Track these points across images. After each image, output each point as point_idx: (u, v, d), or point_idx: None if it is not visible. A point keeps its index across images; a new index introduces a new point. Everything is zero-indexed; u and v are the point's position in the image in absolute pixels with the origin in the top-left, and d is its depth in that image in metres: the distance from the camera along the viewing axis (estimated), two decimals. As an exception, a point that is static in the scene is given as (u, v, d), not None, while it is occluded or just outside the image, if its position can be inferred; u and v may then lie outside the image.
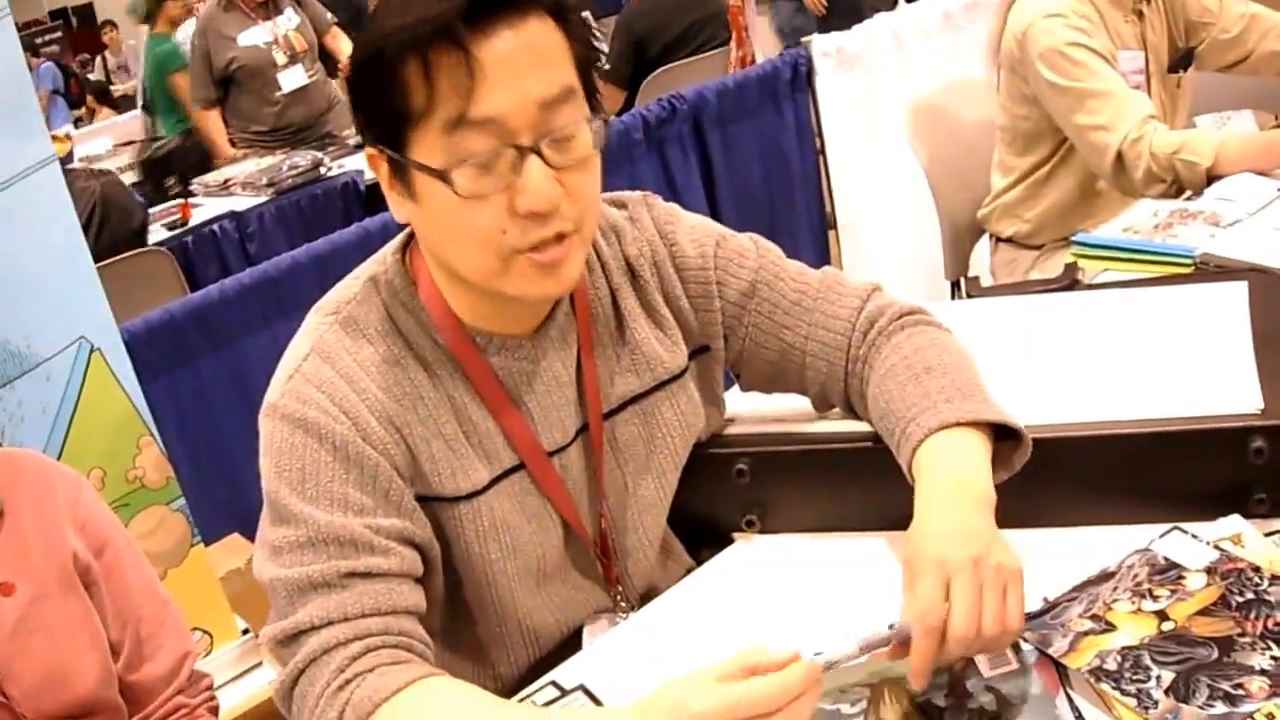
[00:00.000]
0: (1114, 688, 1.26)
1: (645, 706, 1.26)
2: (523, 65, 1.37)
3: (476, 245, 1.42)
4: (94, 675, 1.66)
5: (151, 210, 5.21)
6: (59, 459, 2.33)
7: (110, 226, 4.32)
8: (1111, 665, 1.29)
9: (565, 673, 1.58)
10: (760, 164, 4.97)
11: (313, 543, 1.42)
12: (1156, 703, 1.23)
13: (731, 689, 1.20)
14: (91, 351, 2.43)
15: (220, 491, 3.16)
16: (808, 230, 5.12)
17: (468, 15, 1.34)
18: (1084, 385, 1.71)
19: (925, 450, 1.49)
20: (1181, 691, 1.23)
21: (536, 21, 1.39)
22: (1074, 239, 2.48)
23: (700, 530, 1.79)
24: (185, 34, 7.13)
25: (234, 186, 5.68)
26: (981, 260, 3.65)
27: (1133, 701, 1.24)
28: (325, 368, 1.49)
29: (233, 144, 6.47)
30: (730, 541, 1.75)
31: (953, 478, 1.44)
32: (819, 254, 5.11)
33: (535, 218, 1.40)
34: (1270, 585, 1.35)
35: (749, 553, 1.73)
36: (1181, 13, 3.22)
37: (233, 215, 5.22)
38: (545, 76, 1.39)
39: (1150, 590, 1.39)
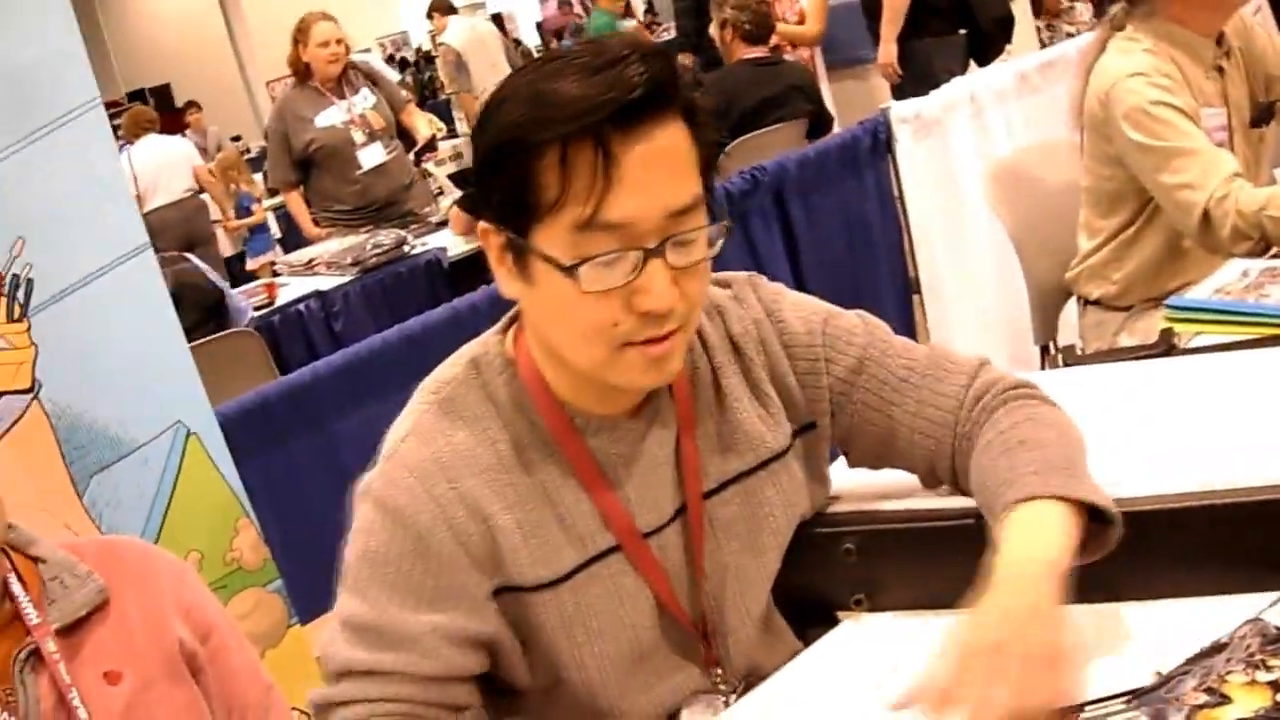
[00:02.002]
0: (1235, 763, 1.24)
1: None
2: (658, 172, 1.39)
3: (588, 335, 1.44)
4: (203, 763, 1.67)
5: (238, 290, 5.28)
6: (157, 543, 2.36)
7: (185, 309, 4.39)
8: (1230, 740, 1.27)
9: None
10: (842, 232, 4.97)
11: (369, 627, 1.48)
12: (1276, 776, 1.21)
13: None
14: (188, 435, 2.46)
15: (314, 570, 3.16)
16: (891, 296, 5.11)
17: (615, 118, 1.36)
18: (1185, 452, 1.68)
19: (1004, 526, 1.47)
20: (1301, 763, 1.21)
21: (673, 126, 1.41)
22: (1166, 303, 2.46)
23: (807, 610, 1.77)
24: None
25: (318, 266, 5.74)
26: (1069, 323, 3.62)
27: (1254, 776, 1.22)
28: (421, 449, 1.52)
29: (316, 224, 6.54)
30: (837, 621, 1.74)
31: (1024, 557, 1.42)
32: (903, 320, 5.10)
33: (650, 316, 1.42)
34: (1384, 652, 1.32)
35: (858, 632, 1.71)
36: (1261, 67, 3.19)
37: (318, 294, 5.28)
38: (677, 185, 1.41)
39: (1264, 660, 1.36)
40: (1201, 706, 1.32)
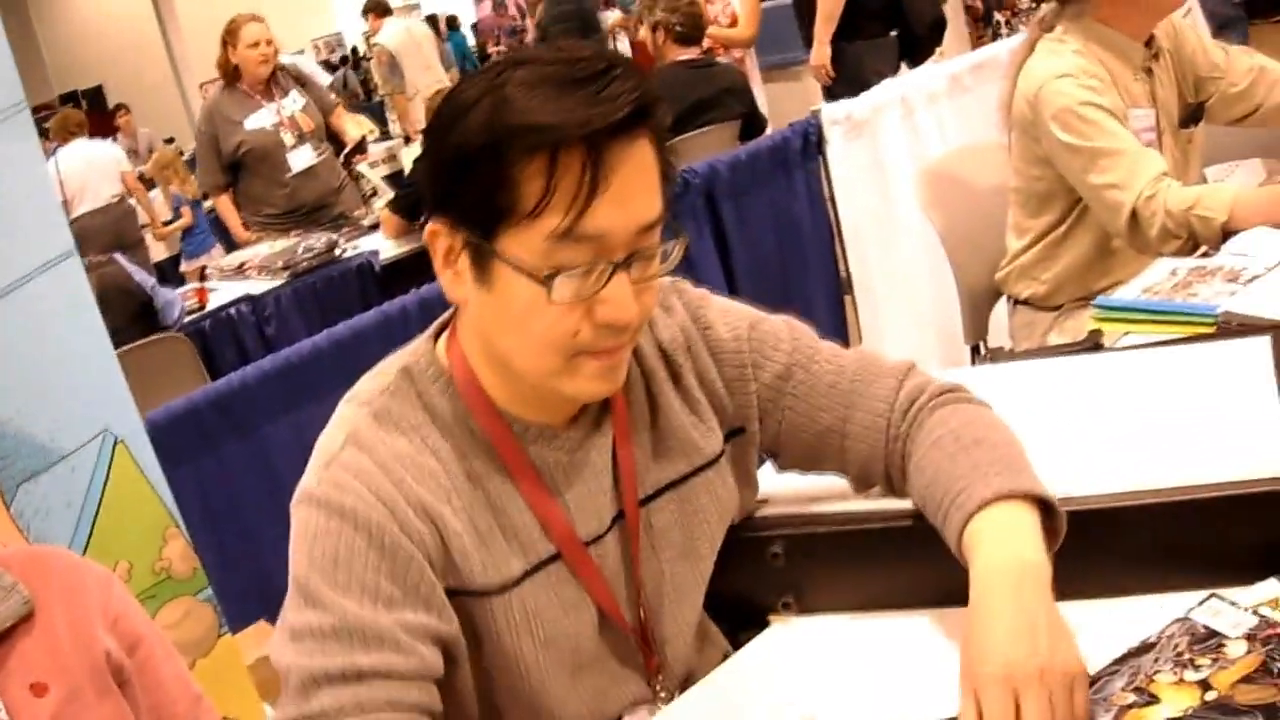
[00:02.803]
0: (1163, 762, 1.25)
1: None
2: (635, 186, 1.39)
3: (546, 344, 1.44)
4: (131, 776, 1.65)
5: (171, 292, 5.24)
6: (85, 553, 2.33)
7: (111, 311, 4.36)
8: (1158, 739, 1.28)
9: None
10: (774, 233, 5.00)
11: (336, 633, 1.41)
12: (1205, 775, 1.22)
13: None
14: (115, 443, 2.43)
15: (245, 578, 3.15)
16: (823, 297, 5.14)
17: (606, 131, 1.35)
18: (1113, 452, 1.70)
19: (978, 525, 1.47)
20: (1229, 762, 1.22)
21: (646, 143, 1.41)
22: (1094, 302, 2.48)
23: (736, 613, 1.77)
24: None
25: (249, 270, 5.71)
26: (999, 323, 3.64)
27: (1182, 775, 1.23)
28: (362, 457, 1.49)
29: (246, 227, 6.50)
30: (767, 623, 1.74)
31: (1009, 560, 1.42)
32: (835, 321, 5.13)
33: (611, 327, 1.42)
34: (1312, 650, 1.34)
35: (787, 635, 1.72)
36: (1190, 68, 3.23)
37: (249, 298, 5.25)
38: (650, 200, 1.42)
39: (1191, 660, 1.38)
40: (1130, 706, 1.33)
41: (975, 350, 3.67)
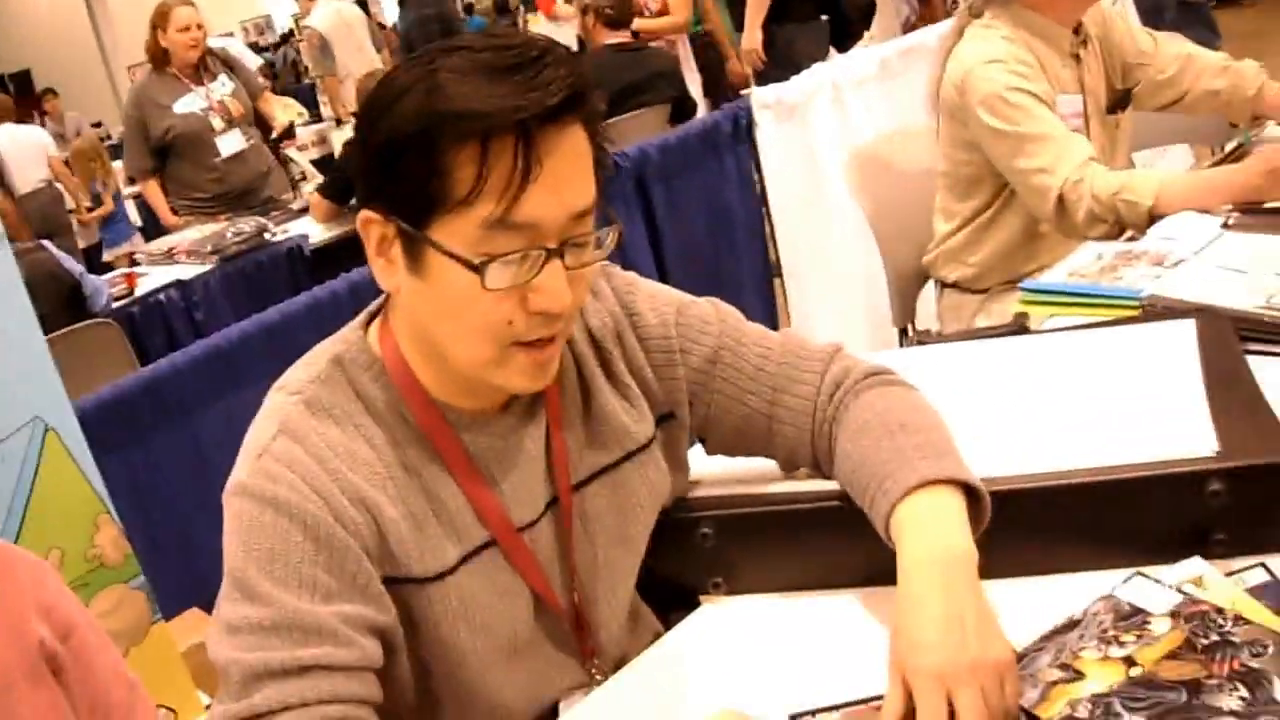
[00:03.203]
0: (1087, 737, 1.27)
1: None
2: (567, 174, 1.40)
3: (480, 333, 1.44)
4: (66, 765, 1.65)
5: (99, 279, 5.20)
6: (16, 541, 2.32)
7: (40, 298, 4.32)
8: (1083, 713, 1.30)
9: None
10: (704, 217, 5.02)
11: (275, 627, 1.40)
12: (1129, 749, 1.24)
13: None
14: (46, 431, 2.41)
15: (177, 565, 3.14)
16: (753, 280, 5.17)
17: (538, 119, 1.35)
18: (1039, 433, 1.72)
19: (904, 511, 1.49)
20: (1153, 736, 1.24)
21: (579, 131, 1.42)
22: (1020, 286, 2.50)
23: (667, 594, 1.79)
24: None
25: (179, 254, 5.67)
26: (928, 306, 3.68)
27: (1106, 750, 1.25)
28: (295, 447, 1.48)
29: (175, 212, 6.46)
30: (698, 604, 1.76)
31: (937, 545, 1.44)
32: (765, 304, 5.16)
33: (544, 316, 1.43)
34: (1234, 626, 1.36)
35: (717, 615, 1.73)
36: (1118, 55, 3.27)
37: (178, 284, 5.21)
38: (582, 188, 1.42)
39: (1116, 637, 1.40)
40: (1056, 682, 1.35)
41: (903, 333, 3.71)
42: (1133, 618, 1.42)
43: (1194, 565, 1.49)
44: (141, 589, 2.56)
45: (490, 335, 1.44)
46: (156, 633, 2.60)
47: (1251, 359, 1.82)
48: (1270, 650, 1.31)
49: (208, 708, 2.53)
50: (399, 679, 1.56)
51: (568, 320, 1.49)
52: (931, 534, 1.45)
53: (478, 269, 1.38)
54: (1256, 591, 1.44)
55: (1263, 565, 1.49)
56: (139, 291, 5.25)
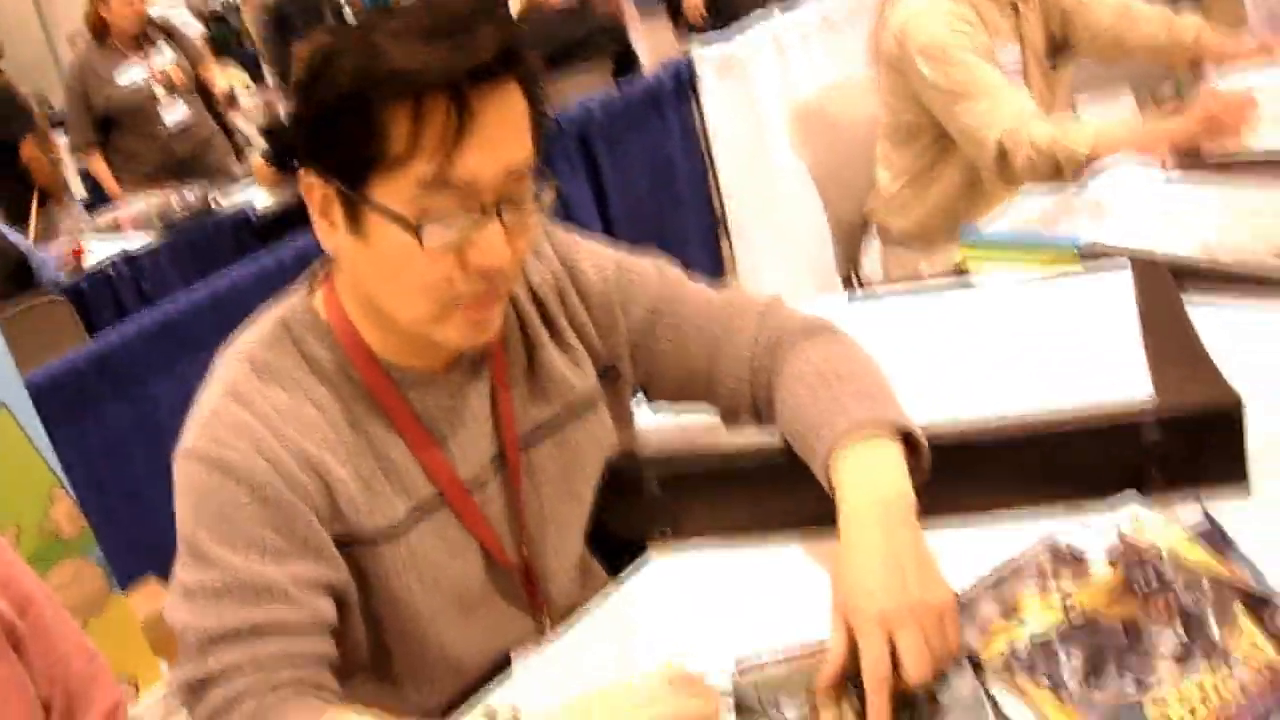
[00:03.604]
0: (1027, 677, 1.30)
1: (573, 710, 1.33)
2: (503, 132, 1.41)
3: (420, 292, 1.45)
4: (28, 736, 1.66)
5: (45, 253, 5.17)
6: (-29, 518, 2.33)
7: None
8: (1023, 654, 1.32)
9: (496, 697, 1.59)
10: (648, 173, 5.03)
11: (228, 589, 1.43)
12: (1070, 689, 1.26)
13: (669, 706, 1.28)
14: (-2, 408, 2.42)
15: (134, 536, 3.15)
16: (698, 235, 5.19)
17: (469, 77, 1.36)
18: (978, 382, 1.74)
19: (843, 459, 1.51)
20: (1093, 676, 1.27)
21: (514, 90, 1.43)
22: (961, 236, 2.52)
23: (616, 545, 1.82)
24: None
25: (125, 226, 5.64)
26: (871, 256, 3.70)
27: (1046, 689, 1.27)
28: (241, 411, 1.50)
29: (120, 184, 6.42)
30: (645, 553, 1.79)
31: (876, 493, 1.46)
32: (711, 258, 5.18)
33: (484, 273, 1.44)
34: (1171, 568, 1.38)
35: (665, 565, 1.76)
36: (1056, 5, 3.29)
37: (125, 256, 5.19)
38: (517, 146, 1.43)
39: (1055, 579, 1.42)
40: (997, 624, 1.38)
41: (847, 282, 3.73)
42: (1071, 560, 1.45)
43: (1132, 508, 1.51)
44: (98, 561, 2.57)
45: (431, 294, 1.45)
46: (114, 604, 2.62)
47: (1189, 306, 1.84)
48: (1207, 591, 1.34)
49: (169, 676, 2.56)
50: (353, 636, 1.58)
51: (509, 277, 1.50)
52: (870, 480, 1.48)
53: (415, 228, 1.39)
54: (1193, 533, 1.46)
55: (1200, 507, 1.51)
56: (86, 265, 5.22)
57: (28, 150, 6.33)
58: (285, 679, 1.41)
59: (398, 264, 1.44)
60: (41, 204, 6.28)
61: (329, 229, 1.49)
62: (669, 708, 1.28)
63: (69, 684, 1.75)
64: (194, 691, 1.43)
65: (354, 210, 1.43)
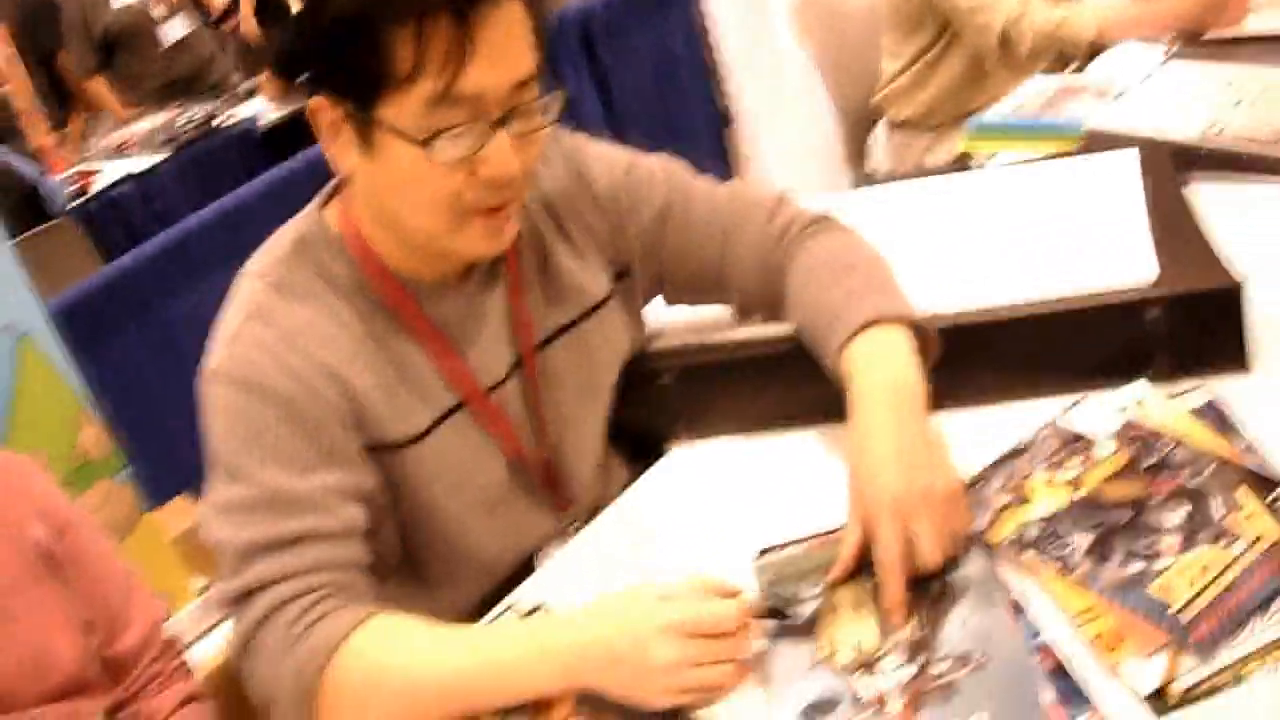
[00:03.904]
0: (1035, 556, 1.34)
1: (599, 621, 1.37)
2: (506, 45, 1.42)
3: (433, 206, 1.47)
4: (73, 657, 1.69)
5: (54, 180, 5.18)
6: (3, 446, 2.35)
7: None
8: (1031, 535, 1.36)
9: (523, 594, 1.64)
10: (652, 69, 5.01)
11: (261, 504, 1.47)
12: (1076, 567, 1.30)
13: (691, 606, 1.32)
14: (20, 338, 2.44)
15: (161, 455, 3.18)
16: (705, 130, 5.17)
17: None
18: (983, 267, 1.76)
19: (853, 350, 1.54)
20: (1099, 554, 1.30)
21: (514, 2, 1.43)
22: (966, 123, 2.53)
23: (636, 444, 1.86)
24: None
25: (130, 148, 5.64)
26: (879, 146, 3.70)
27: (1054, 567, 1.31)
28: (264, 329, 1.53)
29: (124, 107, 6.40)
30: (664, 451, 1.82)
31: (887, 381, 1.49)
32: (717, 152, 5.17)
33: (494, 184, 1.46)
34: (1175, 448, 1.41)
35: (684, 459, 1.80)
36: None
37: (132, 177, 5.19)
38: (522, 58, 1.44)
39: (1062, 461, 1.45)
40: (1005, 507, 1.42)
41: (855, 175, 3.73)
42: (1078, 442, 1.48)
43: (1137, 390, 1.54)
44: (127, 482, 2.61)
45: (444, 207, 1.48)
46: (145, 523, 2.65)
47: (1191, 188, 1.86)
48: (1210, 469, 1.37)
49: (201, 591, 2.61)
50: (384, 540, 1.63)
51: (520, 186, 1.52)
52: (879, 370, 1.51)
53: (425, 144, 1.41)
54: (1197, 414, 1.49)
55: (1203, 388, 1.54)
56: (94, 189, 5.23)
57: (64, 59, 6.33)
58: (323, 585, 1.45)
59: (409, 180, 1.46)
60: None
61: (340, 151, 1.51)
62: (691, 609, 1.33)
63: (109, 604, 1.79)
64: (235, 604, 1.47)
65: (364, 131, 1.45)
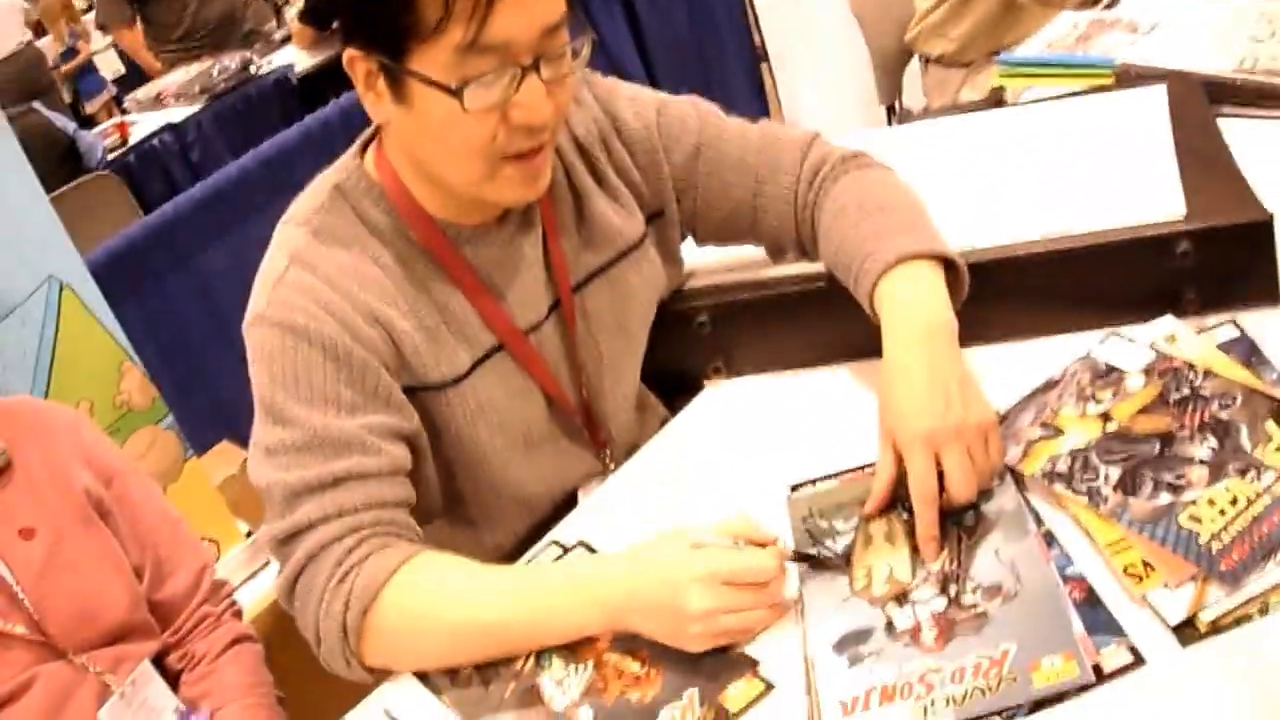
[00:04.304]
0: (1066, 488, 1.35)
1: (636, 570, 1.40)
2: None
3: (468, 153, 1.49)
4: (123, 601, 1.73)
5: (91, 133, 5.21)
6: (47, 397, 2.38)
7: (36, 159, 4.32)
8: (1062, 468, 1.37)
9: (564, 531, 1.67)
10: (686, 9, 4.98)
11: (308, 445, 1.50)
12: (1106, 499, 1.31)
13: (727, 556, 1.35)
14: (61, 289, 2.46)
15: (203, 401, 3.22)
16: (740, 69, 5.14)
17: None
18: (1015, 204, 1.76)
19: (886, 285, 1.55)
20: (1129, 486, 1.31)
21: None
22: (998, 58, 2.52)
23: (672, 382, 1.88)
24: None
25: (167, 99, 5.67)
26: (914, 83, 3.70)
27: (1084, 499, 1.32)
28: (306, 275, 1.55)
29: (156, 58, 6.42)
30: (701, 389, 1.84)
31: (919, 316, 1.50)
32: (753, 92, 5.15)
33: (527, 129, 1.47)
34: (1204, 380, 1.42)
35: (719, 397, 1.82)
36: None
37: (170, 128, 5.23)
38: (550, 3, 1.44)
39: (1093, 394, 1.46)
40: (1037, 440, 1.43)
41: (890, 111, 3.73)
42: (1108, 375, 1.49)
43: (1166, 324, 1.55)
44: (171, 428, 2.64)
45: (478, 154, 1.49)
46: (190, 469, 2.67)
47: (1223, 122, 1.84)
48: (1238, 402, 1.38)
49: (247, 535, 2.64)
50: (428, 480, 1.66)
51: (553, 130, 1.53)
52: (913, 306, 1.52)
53: (456, 93, 1.42)
54: (1226, 347, 1.49)
55: (1232, 322, 1.54)
56: (132, 140, 5.26)
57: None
58: (369, 523, 1.49)
59: (443, 128, 1.47)
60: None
61: (375, 101, 1.52)
62: (725, 559, 1.35)
63: (158, 549, 1.83)
64: (284, 544, 1.51)
65: (396, 81, 1.46)
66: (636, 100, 1.78)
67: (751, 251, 1.86)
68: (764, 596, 1.35)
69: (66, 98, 9.24)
